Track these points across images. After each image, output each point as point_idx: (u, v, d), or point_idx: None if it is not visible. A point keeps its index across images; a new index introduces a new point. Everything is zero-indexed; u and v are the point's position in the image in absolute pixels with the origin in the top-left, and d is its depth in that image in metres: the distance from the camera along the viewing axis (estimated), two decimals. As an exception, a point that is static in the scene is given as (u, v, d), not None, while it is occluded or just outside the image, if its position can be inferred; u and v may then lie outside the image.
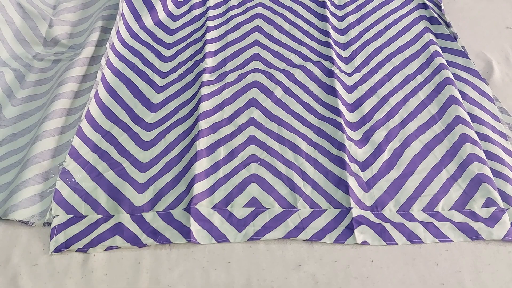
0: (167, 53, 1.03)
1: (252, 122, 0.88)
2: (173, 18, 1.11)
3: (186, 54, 1.02)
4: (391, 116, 0.90)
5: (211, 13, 1.11)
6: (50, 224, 0.74)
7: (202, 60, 0.99)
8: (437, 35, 1.06)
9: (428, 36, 1.05)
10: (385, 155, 0.84)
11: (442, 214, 0.76)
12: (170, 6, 1.13)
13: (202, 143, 0.84)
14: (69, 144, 0.83)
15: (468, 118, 0.87)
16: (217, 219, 0.75)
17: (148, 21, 1.09)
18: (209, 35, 1.05)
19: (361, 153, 0.84)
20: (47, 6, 1.12)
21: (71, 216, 0.75)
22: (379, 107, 0.91)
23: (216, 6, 1.14)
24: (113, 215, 0.75)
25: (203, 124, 0.87)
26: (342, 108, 0.90)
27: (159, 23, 1.10)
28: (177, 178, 0.80)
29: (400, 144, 0.85)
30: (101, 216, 0.75)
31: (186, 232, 0.73)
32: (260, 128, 0.88)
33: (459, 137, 0.84)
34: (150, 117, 0.89)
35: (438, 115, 0.89)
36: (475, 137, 0.84)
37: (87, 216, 0.75)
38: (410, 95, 0.93)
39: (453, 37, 1.04)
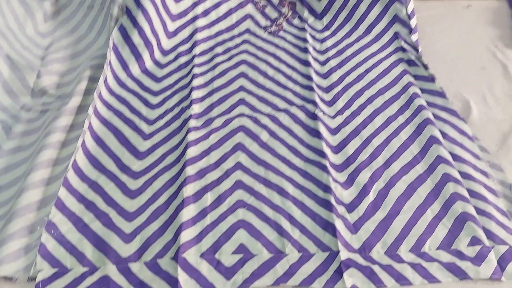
0: (154, 100, 1.04)
1: (239, 166, 0.89)
2: (160, 66, 1.14)
3: (173, 101, 1.04)
4: (374, 157, 0.91)
5: (197, 60, 1.14)
6: (35, 279, 0.72)
7: (188, 106, 1.01)
8: (415, 76, 1.09)
9: (407, 78, 1.08)
10: (371, 196, 0.85)
11: (429, 254, 0.76)
12: (157, 54, 1.16)
13: (189, 190, 0.84)
14: (56, 195, 0.82)
15: (449, 157, 0.89)
16: (205, 268, 0.74)
17: (135, 69, 1.11)
18: (196, 82, 1.07)
19: (347, 195, 0.85)
20: (36, 57, 1.14)
21: (56, 269, 0.73)
22: (362, 149, 0.93)
23: (202, 53, 1.17)
24: (99, 267, 0.74)
25: (190, 170, 0.87)
26: (327, 150, 0.92)
27: (146, 71, 1.12)
28: (164, 226, 0.79)
29: (384, 185, 0.86)
30: (87, 268, 0.74)
31: (173, 283, 0.71)
32: (247, 172, 0.88)
33: (441, 176, 0.86)
34: (137, 165, 0.90)
35: (420, 155, 0.91)
36: (458, 176, 0.86)
37: (72, 269, 0.74)
38: (392, 136, 0.95)
39: (431, 79, 1.07)
